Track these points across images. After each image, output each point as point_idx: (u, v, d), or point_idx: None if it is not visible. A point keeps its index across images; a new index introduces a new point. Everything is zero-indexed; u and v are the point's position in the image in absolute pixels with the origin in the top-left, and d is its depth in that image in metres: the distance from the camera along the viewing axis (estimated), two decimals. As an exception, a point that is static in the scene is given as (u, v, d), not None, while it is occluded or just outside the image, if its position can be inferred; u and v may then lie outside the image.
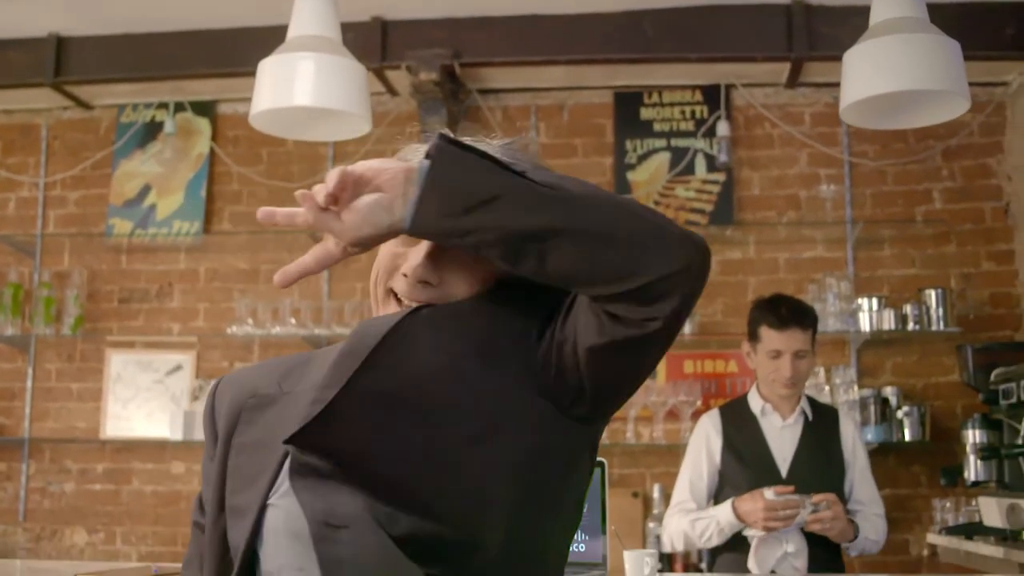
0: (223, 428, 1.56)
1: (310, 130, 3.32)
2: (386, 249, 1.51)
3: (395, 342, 1.41)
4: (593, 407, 1.44)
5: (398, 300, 1.50)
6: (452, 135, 1.33)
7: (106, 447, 5.56)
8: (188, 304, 5.63)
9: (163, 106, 5.68)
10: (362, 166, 1.32)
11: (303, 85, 2.98)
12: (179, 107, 5.67)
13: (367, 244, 1.36)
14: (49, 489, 5.59)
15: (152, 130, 5.70)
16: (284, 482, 1.42)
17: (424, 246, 1.47)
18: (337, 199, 1.31)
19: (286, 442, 1.37)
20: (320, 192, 1.30)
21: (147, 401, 5.51)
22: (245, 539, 1.42)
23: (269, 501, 1.43)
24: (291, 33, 3.13)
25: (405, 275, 1.48)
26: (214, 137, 5.69)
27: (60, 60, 5.29)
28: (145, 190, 5.64)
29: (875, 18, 2.94)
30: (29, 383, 5.65)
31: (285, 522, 1.40)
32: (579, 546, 2.56)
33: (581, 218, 1.29)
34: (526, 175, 1.29)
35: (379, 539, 1.31)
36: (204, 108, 5.70)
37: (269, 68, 3.05)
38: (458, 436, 1.37)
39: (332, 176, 1.30)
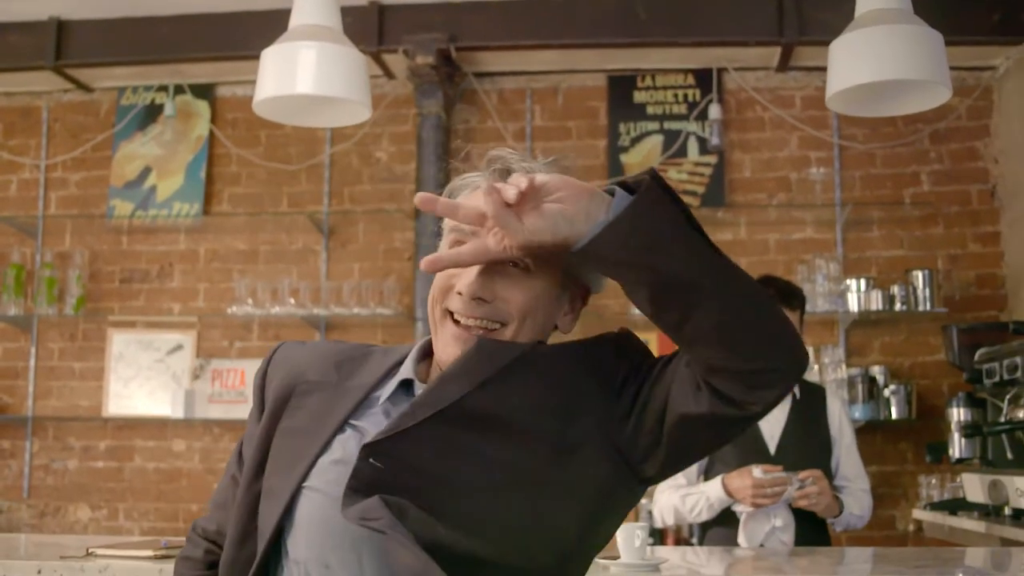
0: (272, 402, 1.62)
1: (312, 116, 3.39)
2: (442, 273, 1.56)
3: (511, 371, 1.49)
4: (662, 468, 1.52)
5: (455, 321, 1.55)
6: (660, 175, 1.35)
7: (108, 425, 5.63)
8: (188, 284, 5.69)
9: (163, 89, 5.73)
10: (547, 177, 1.36)
11: (305, 73, 3.05)
12: (178, 90, 5.73)
13: (535, 251, 1.39)
14: (52, 466, 5.66)
15: (152, 112, 5.75)
16: (325, 469, 1.49)
17: (477, 266, 1.51)
18: (521, 201, 1.35)
19: (365, 447, 1.44)
20: (510, 190, 1.34)
21: (148, 380, 5.58)
22: (275, 522, 1.49)
23: (305, 484, 1.49)
24: (293, 22, 3.19)
25: (460, 293, 1.52)
26: (213, 120, 5.74)
27: (61, 43, 5.34)
28: (145, 172, 5.70)
29: (860, 8, 3.00)
30: (32, 362, 5.72)
31: (320, 510, 1.46)
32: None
33: (737, 289, 1.36)
34: (703, 231, 1.35)
35: (409, 543, 1.37)
36: (203, 91, 5.75)
37: (272, 57, 3.12)
38: (541, 463, 1.45)
39: (522, 179, 1.34)
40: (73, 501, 5.61)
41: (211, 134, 5.72)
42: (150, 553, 2.26)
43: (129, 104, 5.77)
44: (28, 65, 5.43)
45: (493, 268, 1.51)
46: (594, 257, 1.35)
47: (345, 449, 1.50)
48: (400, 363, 1.62)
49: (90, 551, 2.31)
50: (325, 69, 3.04)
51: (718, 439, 1.51)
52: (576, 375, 1.51)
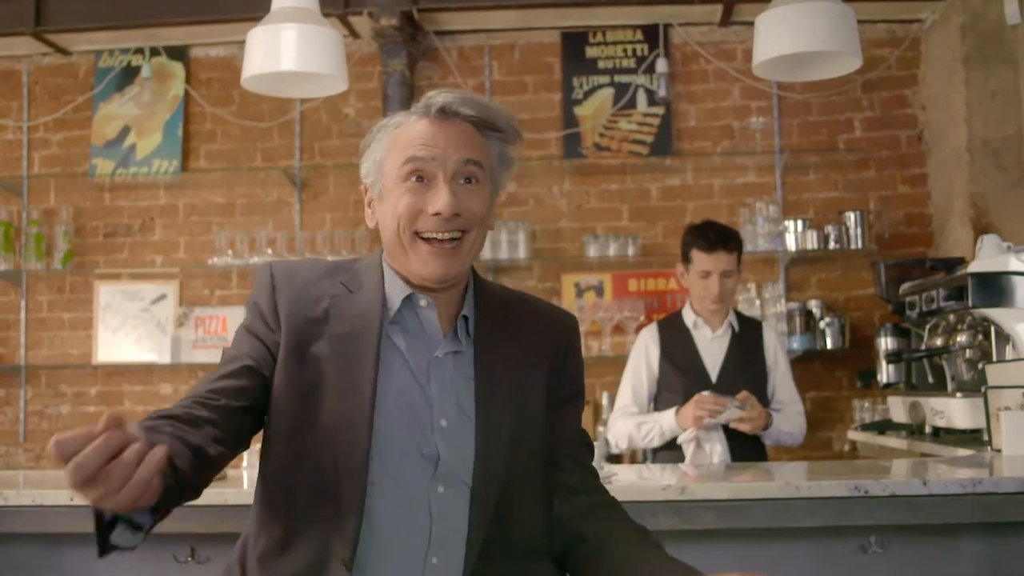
0: (288, 328, 1.73)
1: (295, 89, 3.64)
2: (402, 201, 1.71)
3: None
4: None
5: (425, 240, 1.71)
6: None
7: (98, 372, 5.85)
8: (169, 237, 5.89)
9: (139, 51, 5.89)
10: None
11: (288, 52, 3.30)
12: (154, 52, 5.88)
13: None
14: (46, 412, 5.89)
15: (129, 74, 5.91)
16: (387, 395, 1.70)
17: (443, 187, 1.70)
18: None
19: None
20: None
21: (135, 328, 5.79)
22: (360, 459, 1.65)
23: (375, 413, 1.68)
24: (275, 5, 3.41)
25: (438, 213, 1.69)
26: (188, 80, 5.91)
27: (40, 10, 5.48)
28: (125, 131, 5.87)
29: (785, -17, 3.26)
30: (23, 315, 5.91)
31: (395, 441, 1.69)
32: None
33: None
34: None
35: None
36: (177, 53, 5.91)
37: (258, 37, 3.34)
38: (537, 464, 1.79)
39: None
40: (67, 444, 5.83)
41: (186, 94, 5.89)
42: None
43: (106, 67, 5.93)
44: (9, 31, 5.57)
45: (455, 187, 1.71)
46: None
47: (399, 375, 1.72)
48: (380, 276, 1.80)
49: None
50: (305, 47, 3.29)
51: None
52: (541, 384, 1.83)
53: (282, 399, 1.71)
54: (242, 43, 5.64)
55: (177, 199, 5.91)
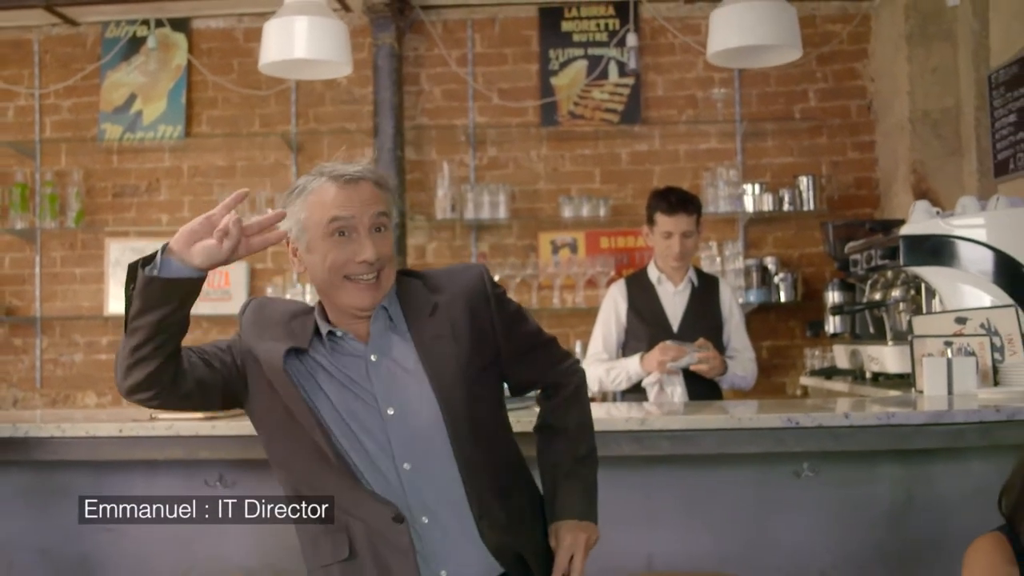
0: (255, 368, 2.14)
1: (306, 72, 4.01)
2: (330, 254, 2.06)
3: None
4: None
5: (352, 281, 2.08)
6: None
7: (108, 323, 6.14)
8: (174, 197, 6.18)
9: (144, 23, 6.13)
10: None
11: (300, 41, 3.63)
12: (158, 24, 6.12)
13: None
14: (61, 360, 6.18)
15: (135, 44, 6.15)
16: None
17: (366, 239, 2.06)
18: None
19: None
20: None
21: (143, 282, 6.07)
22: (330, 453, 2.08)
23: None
24: (288, -1, 3.75)
25: (366, 261, 2.05)
26: (190, 50, 6.15)
27: (51, -17, 5.72)
28: (131, 98, 6.12)
29: (736, -18, 3.59)
30: (37, 270, 6.19)
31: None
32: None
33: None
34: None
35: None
36: (180, 24, 6.15)
37: (274, 27, 3.66)
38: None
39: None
40: (81, 389, 6.15)
41: (189, 63, 6.14)
42: (200, 416, 2.80)
43: (113, 37, 6.16)
44: (21, 4, 5.81)
45: (372, 238, 2.06)
46: None
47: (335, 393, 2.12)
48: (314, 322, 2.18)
49: (153, 416, 2.86)
50: (316, 36, 3.64)
51: None
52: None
53: (261, 427, 2.19)
54: (241, 16, 5.98)
55: (181, 162, 6.18)
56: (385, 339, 2.14)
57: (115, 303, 6.08)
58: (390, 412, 2.07)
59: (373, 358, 2.12)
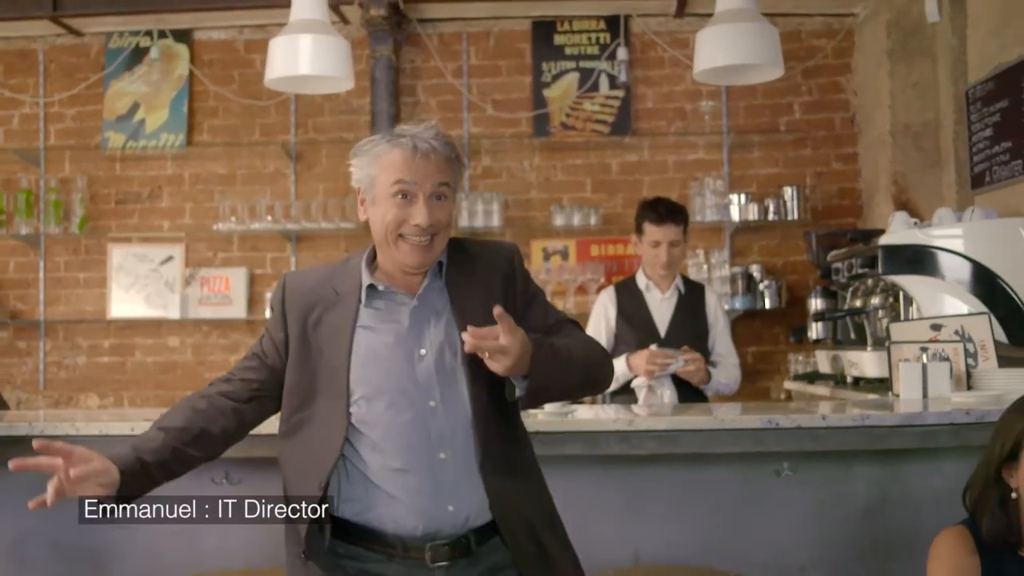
0: (297, 328, 2.28)
1: (310, 87, 4.13)
2: (390, 212, 2.20)
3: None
4: None
5: (405, 240, 2.21)
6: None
7: (111, 326, 6.25)
8: (176, 204, 6.28)
9: (147, 34, 6.24)
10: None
11: (304, 57, 3.75)
12: (161, 35, 6.23)
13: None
14: (64, 362, 6.28)
15: (138, 55, 6.25)
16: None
17: (423, 204, 2.20)
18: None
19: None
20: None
21: (145, 287, 6.19)
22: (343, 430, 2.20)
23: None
24: (293, 16, 3.86)
25: (419, 224, 2.19)
26: (192, 61, 6.26)
27: (58, -5, 5.83)
28: (134, 107, 6.22)
29: (719, 7, 3.70)
30: (41, 274, 6.28)
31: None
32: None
33: (580, 373, 2.30)
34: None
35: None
36: (182, 35, 6.26)
37: (279, 44, 3.79)
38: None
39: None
40: (84, 391, 6.25)
41: (191, 73, 6.25)
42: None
43: (117, 47, 6.26)
44: (28, 15, 5.91)
45: (430, 203, 2.20)
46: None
47: (374, 336, 2.23)
48: (358, 271, 2.32)
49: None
50: (319, 53, 3.77)
51: None
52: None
53: (291, 376, 2.28)
54: (241, 28, 6.10)
55: (183, 169, 6.29)
56: (430, 290, 2.28)
57: (117, 306, 6.18)
58: (422, 352, 2.21)
59: (416, 303, 2.26)
